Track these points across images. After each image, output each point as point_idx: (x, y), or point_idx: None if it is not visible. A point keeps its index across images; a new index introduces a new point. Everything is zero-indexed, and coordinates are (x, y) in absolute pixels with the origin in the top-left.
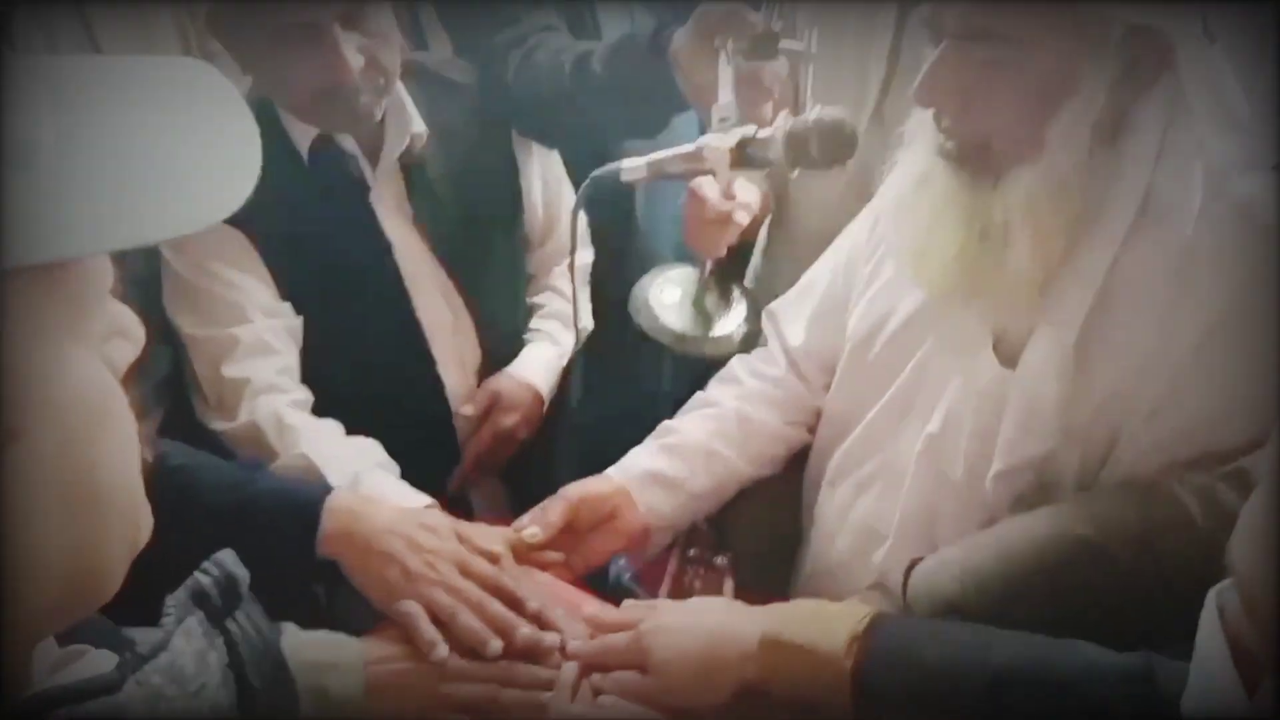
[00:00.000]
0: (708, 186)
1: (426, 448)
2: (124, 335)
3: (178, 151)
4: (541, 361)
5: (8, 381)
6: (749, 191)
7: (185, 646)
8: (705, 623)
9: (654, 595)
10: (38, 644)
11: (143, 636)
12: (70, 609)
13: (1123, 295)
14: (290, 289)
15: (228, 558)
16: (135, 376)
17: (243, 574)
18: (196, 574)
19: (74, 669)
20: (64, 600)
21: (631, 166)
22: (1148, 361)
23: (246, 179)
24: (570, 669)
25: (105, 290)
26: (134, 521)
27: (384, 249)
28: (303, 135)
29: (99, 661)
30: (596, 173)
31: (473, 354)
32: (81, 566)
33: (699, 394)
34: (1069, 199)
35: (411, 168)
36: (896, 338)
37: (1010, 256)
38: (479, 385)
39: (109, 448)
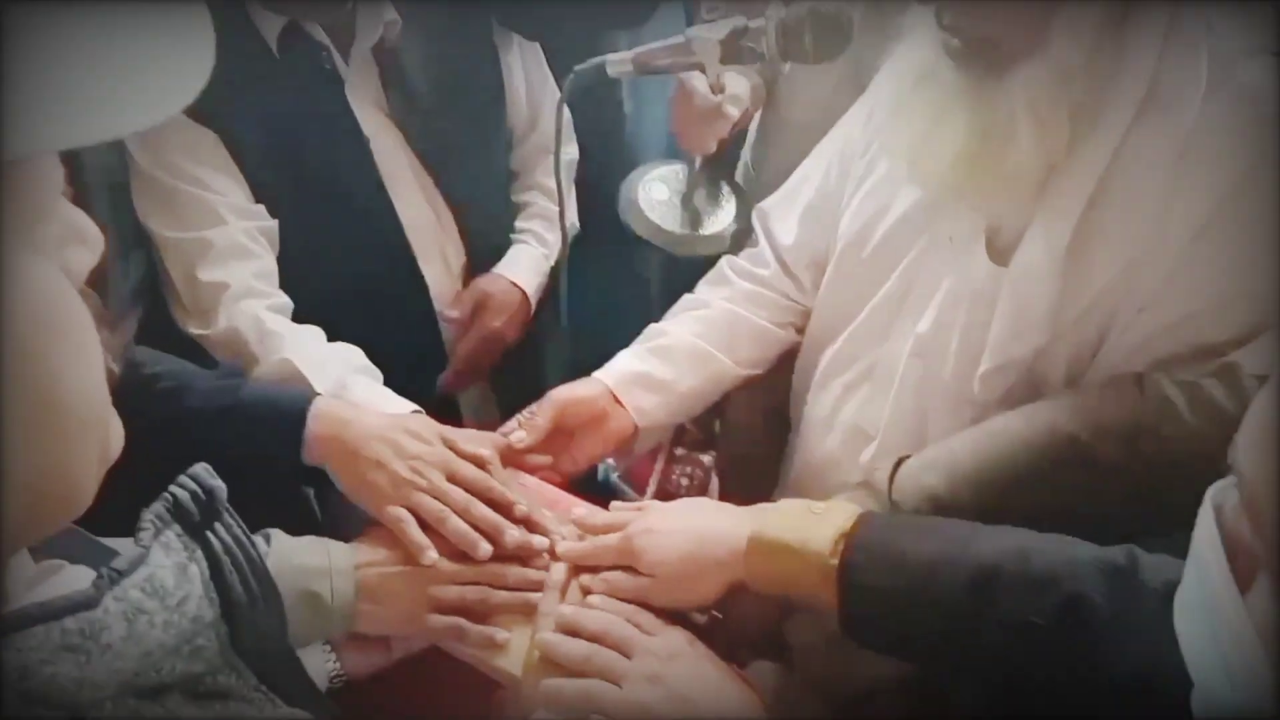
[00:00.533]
0: (696, 80)
1: (412, 352)
2: (81, 241)
3: (126, 45)
4: (528, 262)
5: None
6: (739, 84)
7: (164, 560)
8: (693, 523)
9: (642, 493)
10: (10, 557)
11: (124, 549)
12: (40, 523)
13: (1120, 189)
14: (264, 190)
15: (203, 470)
16: (108, 282)
17: (219, 486)
18: (172, 487)
19: (50, 584)
20: (33, 514)
21: (617, 60)
22: (1142, 256)
23: (199, 71)
24: (559, 570)
25: (56, 193)
26: (102, 433)
27: (361, 145)
28: (270, 26)
29: (76, 577)
30: (580, 66)
31: (457, 255)
32: (48, 479)
33: (687, 296)
34: (1074, 91)
35: (386, 59)
36: (890, 236)
37: (1012, 153)
38: (464, 287)
39: (68, 358)
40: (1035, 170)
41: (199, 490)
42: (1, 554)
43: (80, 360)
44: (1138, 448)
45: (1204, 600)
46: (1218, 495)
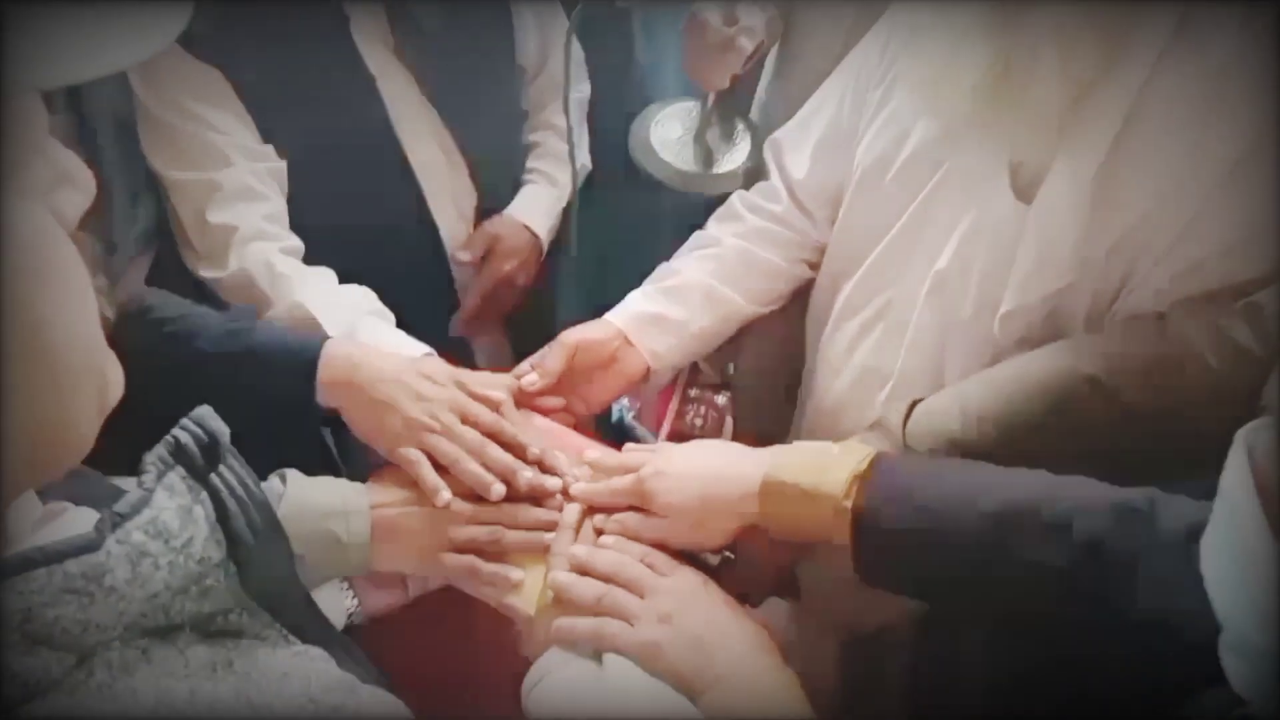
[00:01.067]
0: (709, 12)
1: (424, 295)
2: (71, 184)
3: None
4: (540, 204)
5: None
6: (752, 16)
7: (168, 502)
8: (707, 465)
9: (655, 433)
10: (12, 501)
11: (131, 489)
12: (38, 469)
13: (1148, 123)
14: (272, 131)
15: (206, 413)
16: (111, 226)
17: (222, 428)
18: (175, 430)
19: (55, 527)
20: (30, 461)
21: None
22: (1170, 193)
23: (181, 11)
24: (573, 510)
25: (41, 135)
26: (98, 379)
27: (368, 84)
28: None
29: (81, 519)
30: None
31: (468, 196)
32: (44, 426)
33: (698, 233)
34: (1100, 21)
35: None
36: (907, 168)
37: (1035, 82)
38: (475, 229)
39: (59, 304)
40: (1059, 102)
41: (201, 433)
42: (4, 497)
43: (71, 306)
44: (1159, 389)
45: (1234, 544)
46: (1250, 436)
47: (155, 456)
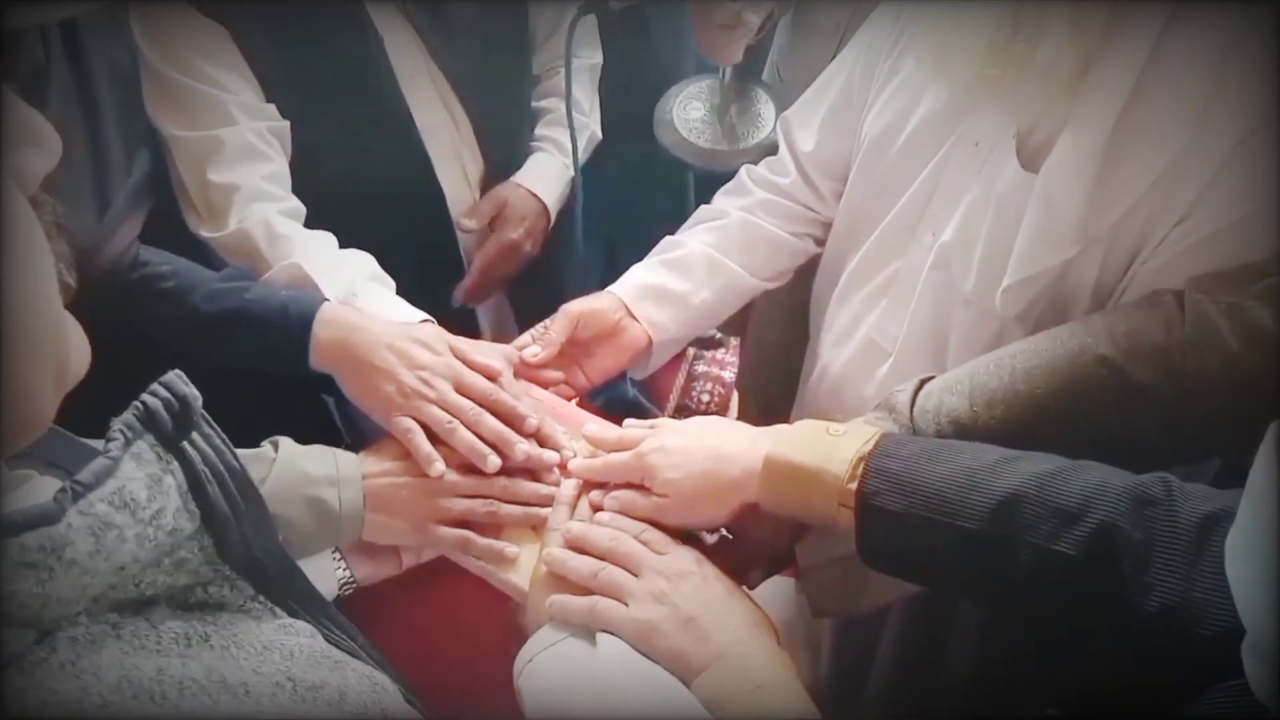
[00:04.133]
0: None
1: (428, 262)
2: (35, 143)
3: None
4: (548, 171)
5: None
6: None
7: (135, 472)
8: (708, 442)
9: (661, 408)
10: None
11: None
12: None
13: (1158, 91)
14: (275, 90)
15: (176, 378)
16: (110, 182)
17: (193, 394)
18: (143, 396)
19: (17, 496)
20: None
21: None
22: (1180, 162)
23: None
24: (570, 485)
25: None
26: (58, 350)
27: (375, 44)
28: None
29: (44, 488)
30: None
31: (475, 162)
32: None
33: (704, 206)
34: None
35: None
36: (914, 139)
37: (1043, 48)
38: (481, 196)
39: (14, 271)
40: (1068, 67)
41: (172, 398)
42: None
43: (25, 272)
44: (1176, 371)
45: (1262, 545)
46: None
47: (122, 423)
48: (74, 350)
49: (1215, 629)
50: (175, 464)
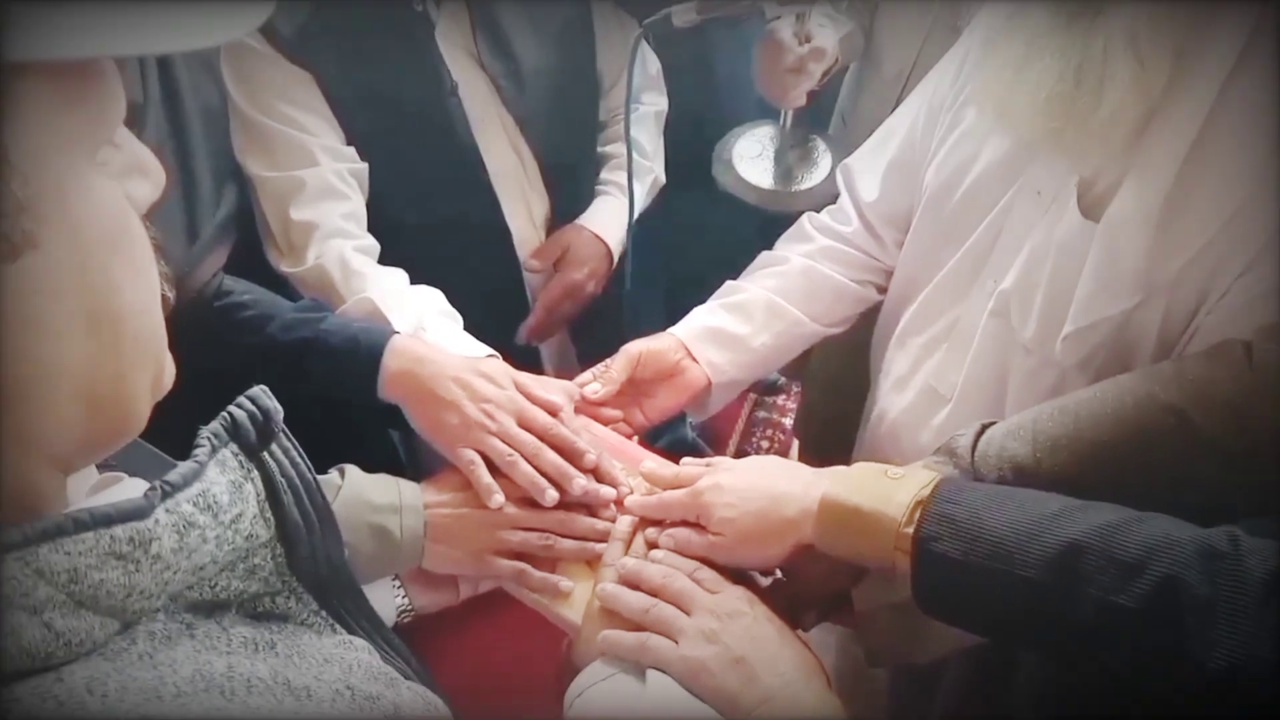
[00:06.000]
0: (782, 30)
1: (494, 301)
2: (143, 174)
3: None
4: (612, 215)
5: (28, 188)
6: (825, 36)
7: (219, 477)
8: (764, 482)
9: (720, 453)
10: (72, 473)
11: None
12: (97, 438)
13: (1222, 138)
14: (355, 133)
15: (260, 392)
16: (199, 213)
17: (275, 408)
18: (230, 407)
19: (108, 494)
20: (90, 426)
21: (681, 9)
22: (1244, 214)
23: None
24: (625, 521)
25: (119, 119)
26: (156, 359)
27: (449, 90)
28: None
29: (133, 489)
30: (647, 20)
31: (541, 204)
32: (104, 390)
33: (765, 253)
34: (1173, 30)
35: (477, 4)
36: (975, 188)
37: (1106, 97)
38: (547, 238)
39: (128, 273)
40: (1130, 120)
41: (256, 411)
42: (63, 464)
43: (139, 279)
44: (1244, 422)
45: None
46: None
47: (210, 431)
48: (167, 363)
49: None
50: (255, 473)
